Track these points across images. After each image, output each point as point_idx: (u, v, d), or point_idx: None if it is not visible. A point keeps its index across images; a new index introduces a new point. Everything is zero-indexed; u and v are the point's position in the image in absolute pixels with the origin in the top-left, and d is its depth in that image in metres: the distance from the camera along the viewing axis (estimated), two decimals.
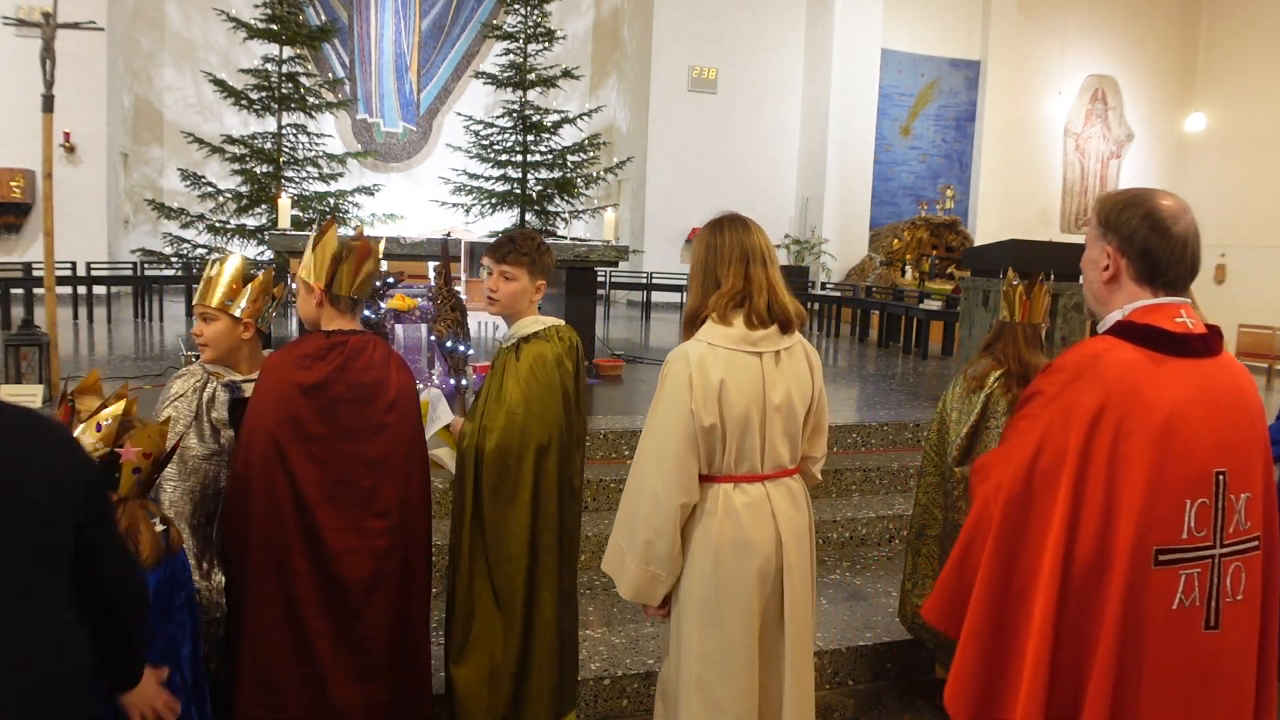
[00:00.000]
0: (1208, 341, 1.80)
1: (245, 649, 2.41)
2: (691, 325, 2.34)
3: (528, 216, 12.82)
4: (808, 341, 2.42)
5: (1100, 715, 1.71)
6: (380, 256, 2.60)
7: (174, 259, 11.35)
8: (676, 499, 2.21)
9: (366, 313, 4.92)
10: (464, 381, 2.85)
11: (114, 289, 10.77)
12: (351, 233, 2.64)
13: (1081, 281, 1.94)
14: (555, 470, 2.66)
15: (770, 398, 2.25)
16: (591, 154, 13.10)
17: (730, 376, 2.20)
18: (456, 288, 4.71)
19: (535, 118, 12.81)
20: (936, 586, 1.98)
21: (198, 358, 2.69)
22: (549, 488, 2.66)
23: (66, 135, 10.95)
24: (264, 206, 11.39)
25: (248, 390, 2.59)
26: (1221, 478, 1.73)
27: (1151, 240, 1.79)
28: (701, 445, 2.21)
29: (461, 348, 2.91)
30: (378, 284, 5.17)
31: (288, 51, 11.73)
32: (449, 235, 3.29)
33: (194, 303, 2.67)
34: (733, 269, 2.30)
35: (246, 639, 2.40)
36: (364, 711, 2.44)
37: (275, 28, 11.42)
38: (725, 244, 2.32)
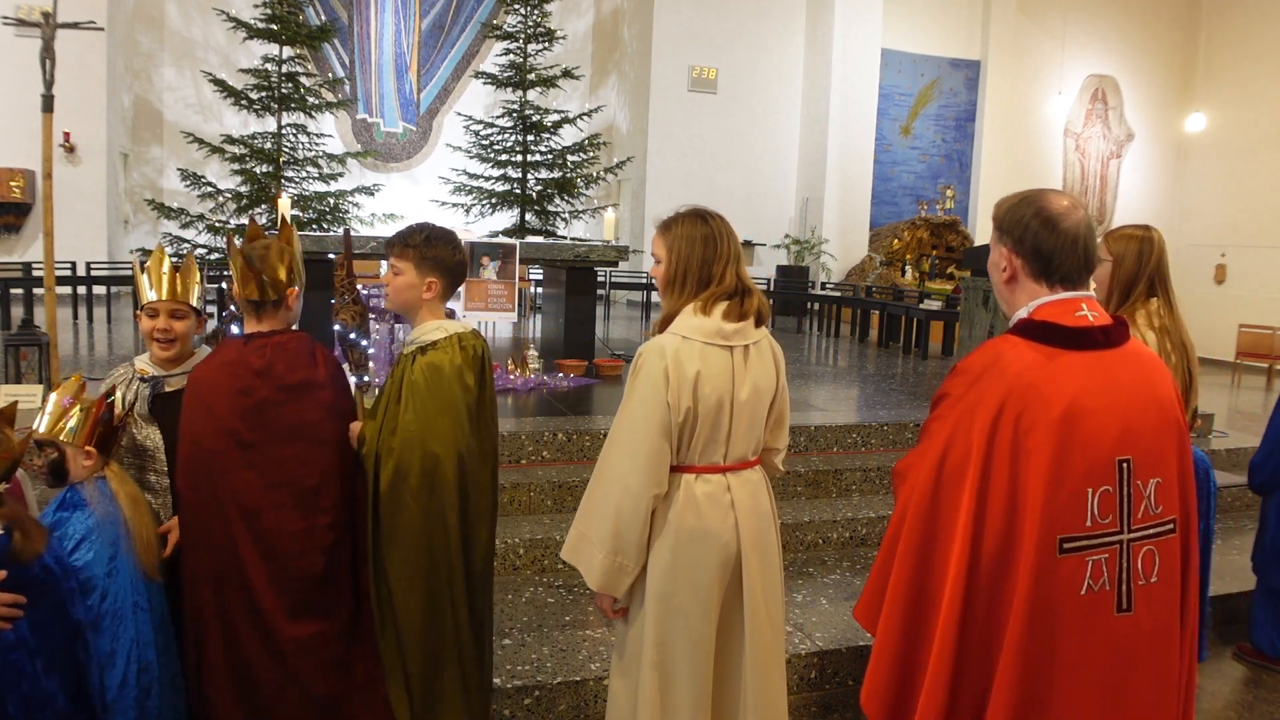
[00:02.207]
0: (1109, 333, 1.83)
1: (216, 664, 2.41)
2: (668, 322, 2.32)
3: (528, 216, 12.82)
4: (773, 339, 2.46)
5: (1008, 703, 1.73)
6: (293, 258, 2.55)
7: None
8: (649, 490, 2.23)
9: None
10: (365, 378, 2.76)
11: (114, 289, 10.76)
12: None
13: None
14: (454, 491, 2.49)
15: (738, 393, 2.27)
16: (591, 154, 13.10)
17: (705, 370, 2.23)
18: (359, 285, 4.63)
19: (535, 118, 12.81)
20: (866, 588, 2.01)
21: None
22: (443, 510, 2.48)
23: (66, 135, 10.95)
24: (264, 206, 11.39)
25: (171, 385, 2.58)
26: (1126, 465, 1.77)
27: (1042, 237, 1.84)
28: (674, 437, 2.24)
29: (364, 342, 2.86)
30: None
31: (288, 51, 11.74)
32: (347, 230, 3.27)
33: (158, 299, 2.54)
34: (730, 268, 2.31)
35: (218, 655, 2.40)
36: (338, 696, 2.48)
37: (275, 28, 11.43)
38: (723, 242, 2.33)
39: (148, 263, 2.62)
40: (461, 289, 6.70)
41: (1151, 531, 1.81)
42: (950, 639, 1.77)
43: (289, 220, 2.69)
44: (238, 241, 2.53)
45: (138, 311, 2.69)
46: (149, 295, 2.56)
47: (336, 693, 2.48)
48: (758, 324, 2.33)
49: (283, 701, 2.42)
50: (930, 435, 1.92)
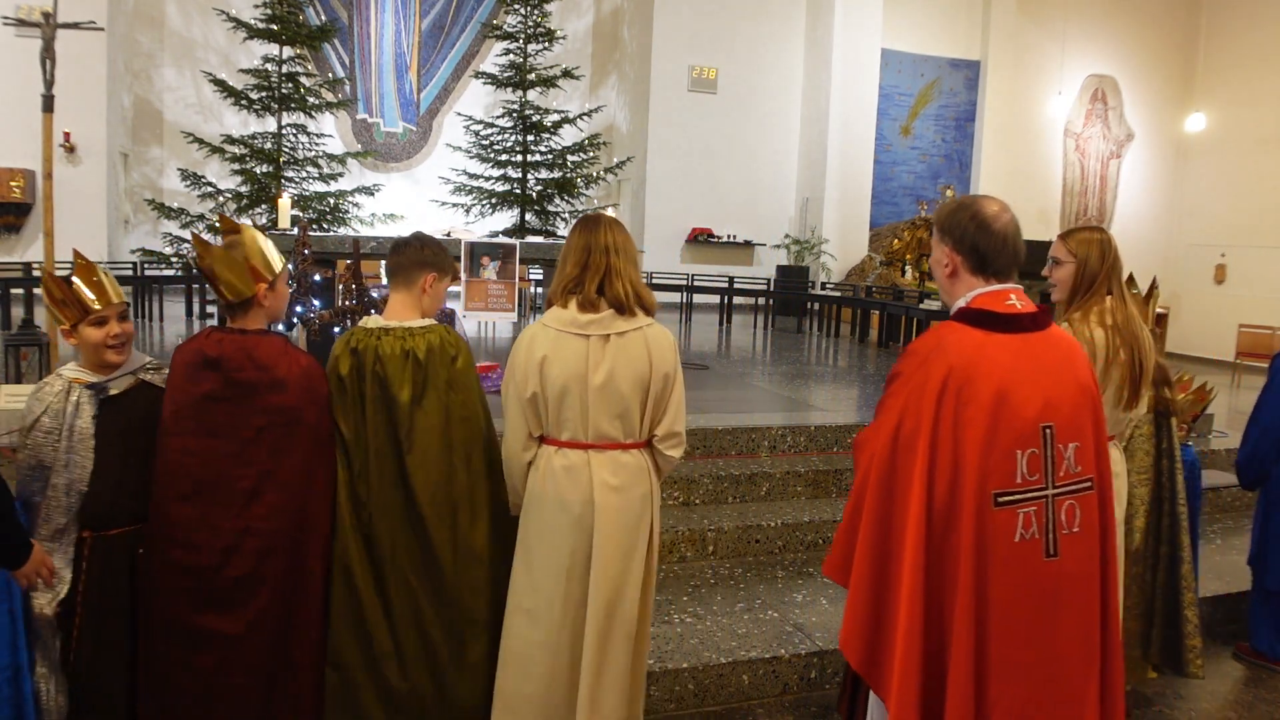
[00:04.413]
0: (1035, 319, 2.13)
1: (143, 631, 2.53)
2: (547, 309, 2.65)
3: (528, 216, 12.82)
4: (667, 331, 2.66)
5: (968, 634, 2.02)
6: (250, 257, 2.57)
7: (174, 259, 11.36)
8: (517, 454, 2.62)
9: (298, 309, 4.94)
10: None
11: None
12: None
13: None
14: (345, 488, 2.62)
15: (592, 376, 2.50)
16: (591, 154, 13.10)
17: (553, 354, 2.51)
18: (373, 291, 4.79)
19: (535, 118, 12.81)
20: (833, 546, 2.28)
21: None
22: (339, 508, 2.63)
23: (66, 135, 10.95)
24: (264, 206, 11.40)
25: (116, 387, 2.54)
26: (1049, 431, 2.06)
27: (978, 237, 2.13)
28: (529, 411, 2.56)
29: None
30: (318, 279, 5.15)
31: (288, 51, 11.74)
32: (309, 229, 3.54)
33: (107, 304, 2.53)
34: (571, 258, 2.59)
35: (141, 620, 2.52)
36: (240, 705, 2.50)
37: (275, 28, 11.43)
38: (573, 239, 2.62)
39: (72, 276, 2.54)
40: (461, 288, 6.70)
41: (1072, 488, 2.10)
42: (918, 581, 2.04)
43: (251, 224, 2.68)
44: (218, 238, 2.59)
45: (67, 328, 2.54)
46: (94, 305, 2.51)
47: (241, 694, 2.50)
48: (621, 312, 2.54)
49: (191, 688, 2.48)
50: (886, 409, 2.18)
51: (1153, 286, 3.66)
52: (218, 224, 10.59)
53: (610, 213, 7.87)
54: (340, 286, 4.81)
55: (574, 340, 2.51)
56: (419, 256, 2.72)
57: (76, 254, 2.71)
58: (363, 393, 2.59)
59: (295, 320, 4.67)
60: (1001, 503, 2.03)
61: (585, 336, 2.52)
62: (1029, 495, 2.05)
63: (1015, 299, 2.13)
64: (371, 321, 2.69)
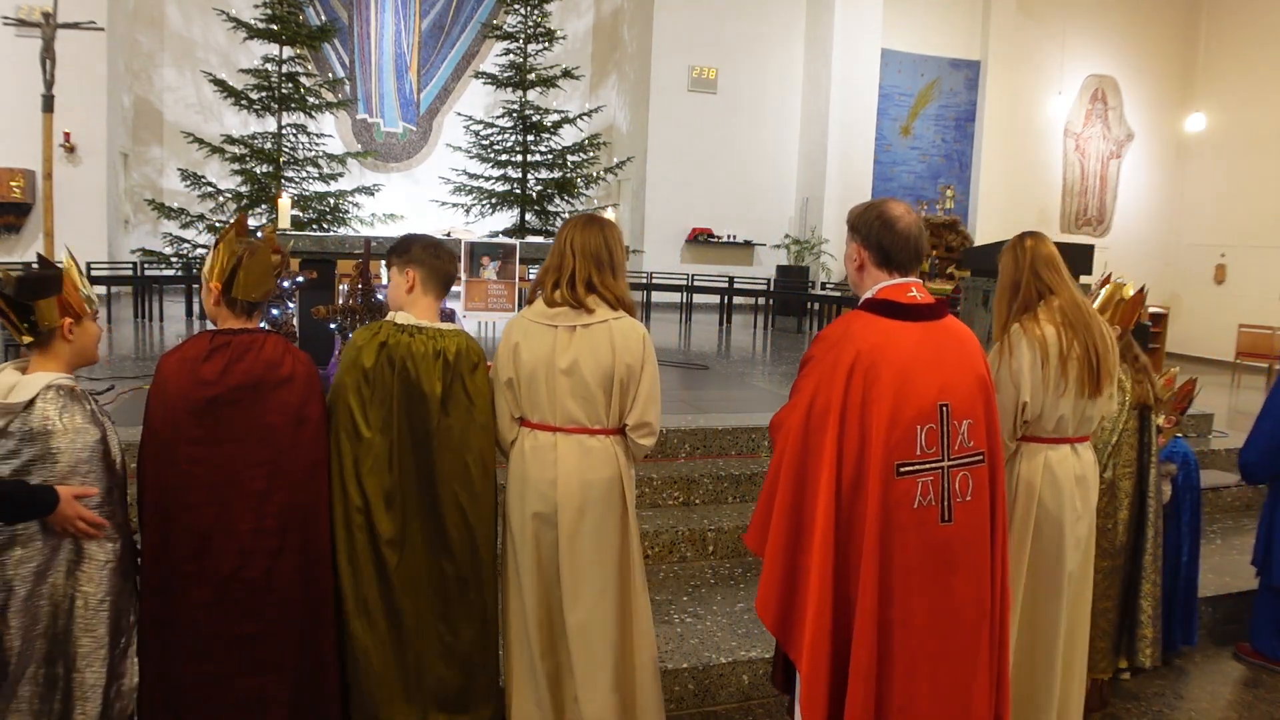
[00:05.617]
0: (933, 309, 2.35)
1: (148, 645, 2.46)
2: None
3: (528, 216, 12.82)
4: (637, 324, 2.80)
5: (871, 591, 2.20)
6: (277, 260, 2.59)
7: (174, 259, 11.35)
8: (504, 434, 2.84)
9: (274, 312, 4.93)
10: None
11: (114, 289, 10.75)
12: (261, 235, 2.65)
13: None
14: (352, 478, 2.74)
15: (557, 362, 2.69)
16: (591, 154, 13.10)
17: (525, 342, 2.74)
18: (378, 293, 4.81)
19: (535, 118, 12.81)
20: (753, 518, 2.43)
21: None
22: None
23: (66, 135, 10.94)
24: (264, 206, 11.40)
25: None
26: (945, 409, 2.27)
27: (883, 235, 2.34)
28: (507, 394, 2.78)
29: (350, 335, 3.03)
30: (288, 284, 5.12)
31: (288, 51, 11.74)
32: (367, 237, 3.56)
33: (95, 301, 2.49)
34: (545, 260, 2.84)
35: (150, 634, 2.46)
36: (262, 704, 2.48)
37: (275, 28, 11.43)
38: (564, 258, 2.80)
39: (66, 265, 2.43)
40: (461, 288, 6.70)
41: (965, 460, 2.31)
42: (828, 545, 2.22)
43: (283, 226, 2.70)
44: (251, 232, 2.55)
45: (69, 323, 2.39)
46: (94, 301, 2.45)
47: (264, 692, 2.49)
48: (576, 308, 2.71)
49: (210, 695, 2.45)
50: (800, 390, 2.36)
51: (1137, 293, 3.67)
52: (216, 225, 10.53)
53: (610, 214, 7.88)
54: (344, 286, 4.81)
55: (543, 330, 2.73)
56: (455, 273, 2.91)
57: (49, 255, 2.66)
58: (390, 387, 2.66)
59: (264, 324, 4.67)
60: (903, 472, 2.23)
61: (553, 327, 2.72)
62: (927, 466, 2.25)
63: (916, 291, 2.34)
64: (401, 318, 2.76)
